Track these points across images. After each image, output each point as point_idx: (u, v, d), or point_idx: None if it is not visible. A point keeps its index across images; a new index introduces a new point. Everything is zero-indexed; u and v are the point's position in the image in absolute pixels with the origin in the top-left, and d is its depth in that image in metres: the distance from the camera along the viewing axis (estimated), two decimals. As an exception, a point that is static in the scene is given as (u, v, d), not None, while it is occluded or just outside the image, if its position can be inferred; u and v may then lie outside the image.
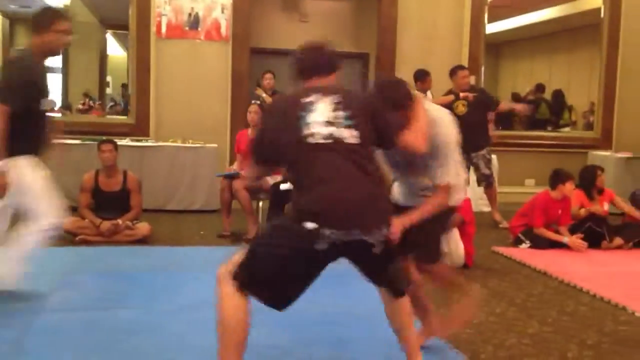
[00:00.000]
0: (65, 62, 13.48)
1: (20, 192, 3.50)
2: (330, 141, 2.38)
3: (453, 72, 6.73)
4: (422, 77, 6.98)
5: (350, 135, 2.40)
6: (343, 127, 2.40)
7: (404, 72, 7.79)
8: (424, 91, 7.02)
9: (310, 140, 2.39)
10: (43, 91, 3.59)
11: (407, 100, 2.76)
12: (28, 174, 3.51)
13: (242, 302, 2.38)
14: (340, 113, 2.43)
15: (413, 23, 8.01)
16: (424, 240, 2.95)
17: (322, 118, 2.41)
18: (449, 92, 6.77)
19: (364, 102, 2.59)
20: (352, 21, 8.97)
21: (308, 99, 2.46)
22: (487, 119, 6.80)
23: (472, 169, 6.65)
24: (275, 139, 2.47)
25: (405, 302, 2.67)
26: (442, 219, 3.00)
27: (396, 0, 7.93)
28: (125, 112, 11.81)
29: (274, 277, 2.40)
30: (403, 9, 7.96)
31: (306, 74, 2.62)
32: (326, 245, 2.30)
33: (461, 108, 6.50)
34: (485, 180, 6.67)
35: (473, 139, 6.39)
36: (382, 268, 2.54)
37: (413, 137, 2.64)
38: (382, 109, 2.60)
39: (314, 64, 2.63)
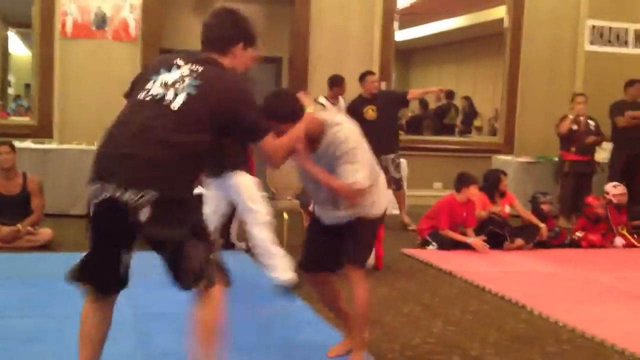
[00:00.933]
0: (-39, 60, 12.81)
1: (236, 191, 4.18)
2: (149, 99, 2.27)
3: (362, 78, 6.84)
4: (338, 82, 7.05)
5: (177, 101, 2.24)
6: (179, 92, 2.25)
7: (317, 77, 7.86)
8: (339, 96, 7.07)
9: (141, 95, 2.30)
10: None
11: (290, 116, 2.64)
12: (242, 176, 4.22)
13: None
14: (190, 80, 2.28)
15: (326, 28, 8.08)
16: (355, 243, 3.01)
17: (167, 79, 2.29)
18: (359, 97, 6.86)
19: (224, 84, 2.34)
20: (264, 25, 8.94)
21: (178, 61, 2.34)
22: (396, 123, 6.95)
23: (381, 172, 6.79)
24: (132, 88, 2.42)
25: (203, 312, 2.29)
26: (372, 228, 3.09)
27: (309, 4, 7.99)
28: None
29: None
30: (315, 14, 8.02)
31: (201, 43, 2.48)
32: (94, 206, 2.17)
33: (371, 113, 6.62)
34: (395, 184, 6.81)
35: (382, 143, 6.51)
36: (161, 250, 2.26)
37: (273, 147, 2.44)
38: (243, 102, 2.35)
39: (205, 36, 2.47)
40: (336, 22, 8.14)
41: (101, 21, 7.29)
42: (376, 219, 3.05)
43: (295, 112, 2.67)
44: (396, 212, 7.03)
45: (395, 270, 4.95)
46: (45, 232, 5.21)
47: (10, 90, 13.86)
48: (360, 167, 2.78)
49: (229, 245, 5.43)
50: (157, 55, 7.51)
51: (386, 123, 6.66)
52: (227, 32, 2.46)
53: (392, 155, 6.74)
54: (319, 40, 8.06)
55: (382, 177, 3.10)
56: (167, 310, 3.67)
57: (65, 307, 3.65)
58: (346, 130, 2.83)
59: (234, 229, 5.51)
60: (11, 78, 14.02)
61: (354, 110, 6.52)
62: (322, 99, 6.93)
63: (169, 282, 3.92)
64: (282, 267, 4.02)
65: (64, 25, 7.18)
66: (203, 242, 2.28)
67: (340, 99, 7.09)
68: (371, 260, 4.82)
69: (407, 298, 4.19)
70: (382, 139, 6.47)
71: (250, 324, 3.55)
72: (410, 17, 10.26)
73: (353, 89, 7.13)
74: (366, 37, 8.23)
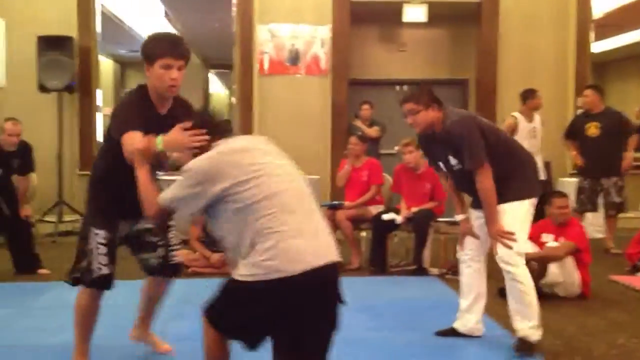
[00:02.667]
0: (172, 101, 14.13)
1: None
2: None
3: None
4: (528, 95, 6.73)
5: None
6: None
7: (506, 97, 7.65)
8: (533, 111, 6.70)
9: None
10: None
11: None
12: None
13: None
14: None
15: (514, 46, 7.86)
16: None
17: None
18: (582, 113, 6.54)
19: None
20: (450, 47, 8.90)
21: None
22: (621, 144, 6.28)
23: (601, 195, 6.32)
24: None
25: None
26: (234, 292, 2.27)
27: (496, 23, 7.83)
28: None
29: None
30: (503, 32, 7.84)
31: None
32: None
33: (593, 130, 6.23)
34: (615, 209, 6.32)
35: (604, 163, 6.10)
36: None
37: (128, 146, 2.66)
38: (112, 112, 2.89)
39: None
40: (525, 38, 7.89)
41: (295, 57, 7.71)
42: (243, 285, 2.20)
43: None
44: (599, 235, 6.57)
45: (605, 299, 4.61)
46: (250, 258, 5.51)
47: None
48: (174, 188, 2.36)
49: (421, 271, 5.41)
50: (345, 86, 7.78)
51: (610, 143, 6.18)
52: None
53: (614, 178, 6.26)
54: (507, 59, 7.86)
55: (281, 239, 2.19)
56: (366, 336, 3.73)
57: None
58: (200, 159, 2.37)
59: (426, 255, 5.48)
60: (212, 115, 15.23)
61: (576, 127, 6.34)
62: (515, 114, 6.67)
63: (365, 308, 3.95)
64: (532, 322, 3.35)
65: (261, 64, 7.69)
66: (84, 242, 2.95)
67: (536, 116, 6.74)
68: (577, 287, 4.55)
69: (620, 328, 3.87)
70: (604, 158, 6.08)
71: (434, 348, 3.49)
72: (606, 28, 9.64)
73: (547, 107, 6.83)
74: (559, 52, 7.87)
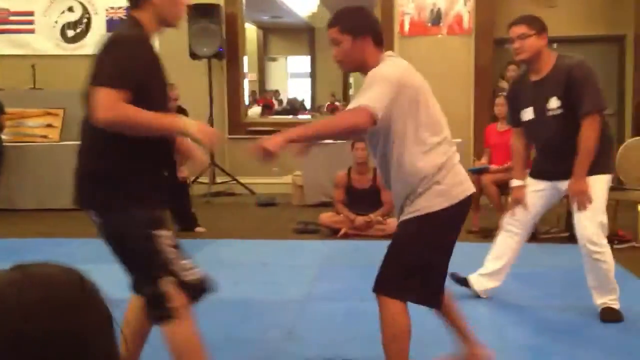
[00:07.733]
0: (312, 67, 14.38)
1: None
2: None
3: None
4: None
5: None
6: None
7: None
8: None
9: None
10: None
11: (352, 29, 2.38)
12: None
13: None
14: None
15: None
16: (386, 258, 2.48)
17: None
18: None
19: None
20: (604, 1, 8.30)
21: None
22: None
23: None
24: None
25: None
26: (423, 231, 2.38)
27: (659, -28, 7.20)
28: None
29: None
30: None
31: None
32: None
33: None
34: None
35: None
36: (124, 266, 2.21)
37: (105, 102, 2.01)
38: (101, 50, 2.11)
39: None
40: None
41: (436, 17, 7.52)
42: (434, 216, 2.31)
43: (357, 27, 2.38)
44: None
45: None
46: (393, 222, 5.50)
47: (351, 92, 15.09)
48: (366, 93, 2.22)
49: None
50: (490, 46, 7.49)
51: None
52: None
53: None
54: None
55: (454, 155, 2.40)
56: (524, 303, 3.65)
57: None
58: (385, 65, 2.38)
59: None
60: (351, 80, 15.30)
61: None
62: None
63: (520, 275, 3.86)
64: (614, 295, 3.33)
65: (402, 25, 7.57)
66: None
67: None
68: None
69: None
70: None
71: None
72: None
73: None
74: None
